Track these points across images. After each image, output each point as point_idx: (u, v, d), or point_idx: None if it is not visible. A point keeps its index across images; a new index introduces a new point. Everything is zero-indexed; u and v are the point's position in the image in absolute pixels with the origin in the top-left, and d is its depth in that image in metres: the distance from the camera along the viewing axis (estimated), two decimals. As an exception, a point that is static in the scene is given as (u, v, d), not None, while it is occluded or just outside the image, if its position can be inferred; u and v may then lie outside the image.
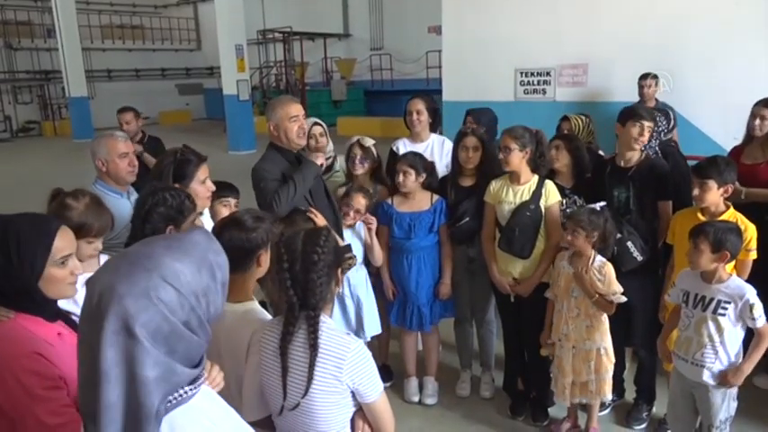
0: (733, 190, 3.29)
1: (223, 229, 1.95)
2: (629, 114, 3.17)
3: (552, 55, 5.69)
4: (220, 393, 1.92)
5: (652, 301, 3.19)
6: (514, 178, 3.19)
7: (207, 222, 2.60)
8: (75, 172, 4.70)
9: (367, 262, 3.44)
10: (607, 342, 2.99)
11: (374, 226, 3.29)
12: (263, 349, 1.79)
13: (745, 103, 3.71)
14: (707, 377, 2.59)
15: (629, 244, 3.03)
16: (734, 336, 2.55)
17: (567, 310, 2.99)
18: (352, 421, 1.79)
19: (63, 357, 1.46)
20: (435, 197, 3.44)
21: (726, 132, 4.59)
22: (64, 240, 1.52)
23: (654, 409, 3.36)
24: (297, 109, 3.00)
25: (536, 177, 3.18)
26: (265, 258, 1.97)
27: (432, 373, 3.68)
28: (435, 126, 4.00)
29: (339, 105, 19.55)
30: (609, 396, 3.08)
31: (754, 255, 2.84)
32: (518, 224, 3.12)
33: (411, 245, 3.40)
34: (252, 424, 1.85)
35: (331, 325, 1.77)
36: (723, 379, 2.56)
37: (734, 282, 2.55)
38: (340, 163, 3.80)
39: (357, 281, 3.32)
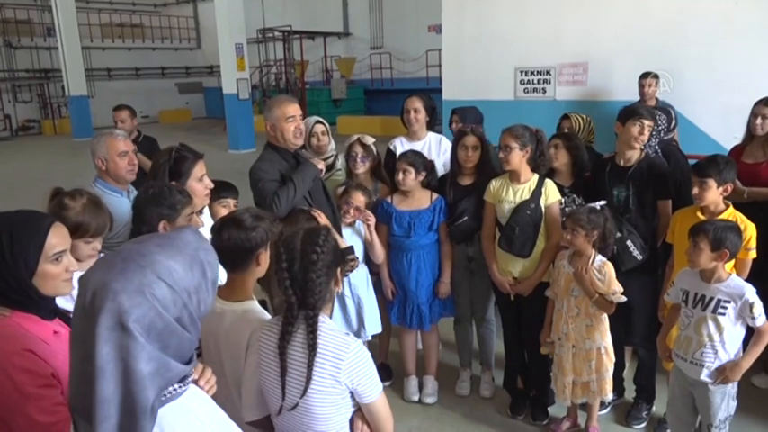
0: (734, 189, 3.30)
1: (222, 229, 1.94)
2: (629, 113, 3.17)
3: (552, 54, 5.68)
4: (220, 393, 1.94)
5: (652, 300, 3.19)
6: (514, 177, 3.19)
7: (207, 221, 2.60)
8: (75, 171, 4.70)
9: (367, 261, 3.44)
10: (607, 341, 2.99)
11: (372, 221, 3.29)
12: (261, 349, 1.79)
13: (746, 103, 3.71)
14: (706, 376, 2.59)
15: (629, 243, 3.03)
16: (734, 335, 2.55)
17: (568, 310, 2.99)
18: (351, 421, 1.78)
19: (58, 355, 1.45)
20: (435, 196, 3.44)
21: (726, 132, 4.58)
22: (57, 237, 1.52)
23: (654, 408, 3.36)
24: (294, 109, 3.00)
25: (536, 176, 3.18)
26: (265, 257, 1.97)
27: (431, 372, 3.68)
28: (433, 124, 3.99)
29: (339, 104, 19.55)
30: (610, 395, 3.08)
31: (753, 254, 2.84)
32: (518, 223, 3.11)
33: (411, 243, 3.40)
34: (252, 424, 1.87)
35: (330, 325, 1.77)
36: (721, 374, 2.56)
37: (733, 281, 2.55)
38: (341, 162, 3.79)
39: (358, 280, 3.32)
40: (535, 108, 5.63)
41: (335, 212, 3.19)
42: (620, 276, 2.91)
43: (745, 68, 4.76)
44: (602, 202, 2.94)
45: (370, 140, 3.57)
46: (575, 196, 3.33)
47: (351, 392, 1.74)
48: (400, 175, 3.35)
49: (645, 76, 4.94)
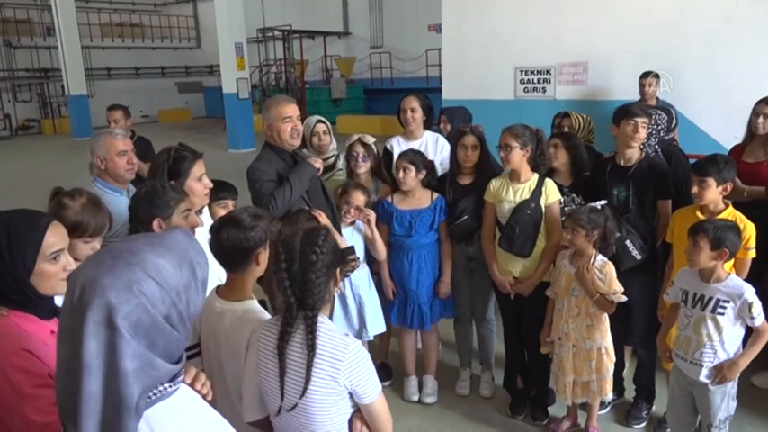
0: (735, 189, 3.30)
1: (221, 229, 1.94)
2: (622, 113, 3.18)
3: (552, 53, 5.67)
4: (220, 393, 1.94)
5: (651, 300, 3.19)
6: (514, 177, 3.19)
7: (207, 221, 2.59)
8: (75, 170, 4.70)
9: (369, 261, 3.44)
10: (607, 341, 2.99)
11: (373, 218, 3.28)
12: (260, 349, 1.78)
13: (746, 102, 3.70)
14: (705, 376, 2.58)
15: (628, 243, 3.03)
16: (733, 334, 2.54)
17: (568, 309, 2.99)
18: (350, 422, 1.78)
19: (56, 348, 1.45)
20: (435, 195, 3.44)
21: (726, 131, 4.58)
22: (55, 236, 1.52)
23: (653, 408, 3.36)
24: (291, 109, 2.99)
25: (536, 176, 3.18)
26: (264, 257, 1.96)
27: (431, 371, 3.68)
28: (430, 124, 3.99)
29: (339, 104, 19.55)
30: (610, 395, 3.08)
31: (752, 253, 2.84)
32: (518, 223, 3.11)
33: (411, 243, 3.40)
34: (253, 424, 1.86)
35: (329, 325, 1.77)
36: (718, 373, 2.56)
37: (732, 280, 2.54)
38: (342, 162, 3.79)
39: (359, 280, 3.31)
40: (535, 108, 5.62)
41: (335, 212, 3.18)
42: (620, 276, 2.91)
43: (746, 68, 4.76)
44: (603, 202, 2.94)
45: (370, 140, 3.57)
46: (574, 196, 3.33)
47: (350, 393, 1.73)
48: (401, 174, 3.34)
49: (645, 75, 4.94)
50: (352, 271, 2.71)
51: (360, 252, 3.31)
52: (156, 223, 2.13)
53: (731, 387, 2.61)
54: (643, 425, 3.30)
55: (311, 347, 1.68)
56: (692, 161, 3.40)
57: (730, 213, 2.82)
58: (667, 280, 3.04)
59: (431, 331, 3.59)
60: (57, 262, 1.52)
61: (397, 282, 3.50)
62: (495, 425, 3.38)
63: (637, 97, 4.98)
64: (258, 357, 1.79)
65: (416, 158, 3.38)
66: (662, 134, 3.46)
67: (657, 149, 3.40)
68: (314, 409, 1.71)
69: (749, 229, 2.80)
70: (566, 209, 3.22)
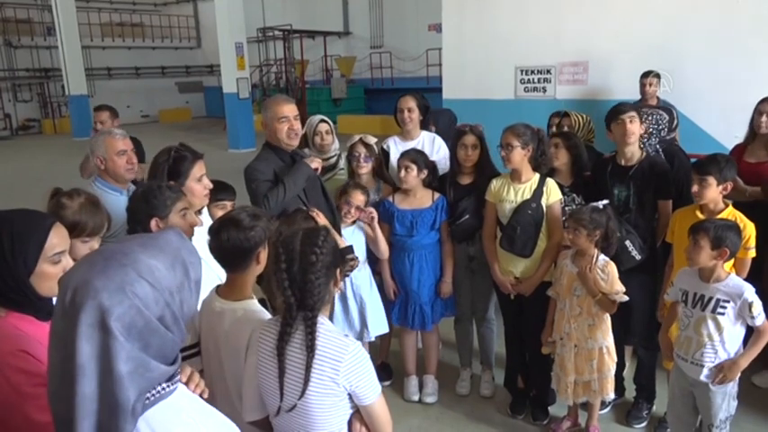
0: (739, 189, 3.29)
1: (221, 230, 1.93)
2: (610, 117, 3.20)
3: (552, 53, 5.66)
4: (220, 392, 1.93)
5: (651, 300, 3.19)
6: (515, 176, 3.18)
7: (206, 221, 2.59)
8: (75, 170, 4.69)
9: (371, 261, 3.44)
10: (609, 341, 2.99)
11: (375, 215, 3.27)
12: (260, 349, 1.78)
13: (747, 101, 3.70)
14: (706, 377, 2.58)
15: (628, 243, 3.02)
16: (734, 334, 2.54)
17: (570, 309, 2.98)
18: (350, 423, 1.77)
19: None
20: (437, 195, 3.43)
21: (727, 130, 4.57)
22: (57, 237, 1.52)
23: (654, 408, 3.36)
24: (288, 110, 2.98)
25: (537, 175, 3.17)
26: (264, 256, 1.97)
27: (432, 371, 3.68)
28: (426, 124, 3.99)
29: (339, 103, 19.54)
30: (612, 395, 3.07)
31: (752, 253, 2.84)
32: (519, 223, 3.10)
33: (413, 242, 3.39)
34: (253, 424, 1.86)
35: (329, 326, 1.76)
36: (719, 373, 2.55)
37: (732, 280, 2.54)
38: (344, 161, 3.78)
39: (361, 280, 3.31)
40: (535, 107, 5.61)
41: (335, 213, 3.18)
42: (620, 276, 2.90)
43: (747, 67, 4.75)
44: (605, 202, 2.93)
45: (372, 140, 3.56)
46: (574, 195, 3.33)
47: (349, 394, 1.73)
48: (402, 173, 3.34)
49: (646, 75, 4.93)
50: (352, 271, 2.70)
51: (361, 252, 3.31)
52: (153, 223, 2.13)
53: (732, 387, 2.61)
54: (643, 425, 3.30)
55: (310, 348, 1.67)
56: (692, 161, 3.39)
57: (730, 213, 2.82)
58: (667, 280, 3.04)
59: (431, 331, 3.59)
60: (57, 263, 1.52)
61: (398, 282, 3.50)
62: (496, 425, 3.38)
63: (637, 97, 4.98)
64: (258, 357, 1.79)
65: (418, 158, 3.38)
66: (662, 134, 3.45)
67: (658, 149, 3.40)
68: (313, 409, 1.71)
69: (749, 229, 2.80)
70: (566, 209, 3.22)
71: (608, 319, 2.97)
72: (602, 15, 5.39)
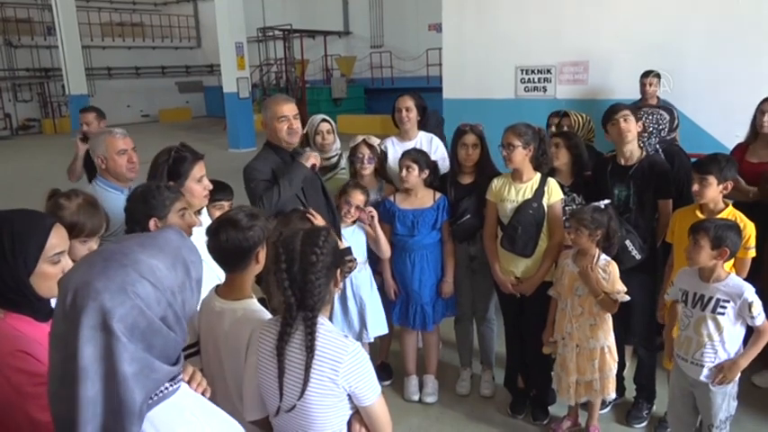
0: (741, 190, 3.29)
1: (219, 230, 1.93)
2: (604, 120, 3.21)
3: (553, 52, 5.66)
4: (220, 392, 1.93)
5: (651, 300, 3.19)
6: (516, 176, 3.18)
7: (206, 221, 2.59)
8: (75, 170, 4.73)
9: (371, 262, 3.43)
10: (610, 340, 2.98)
11: (375, 214, 3.27)
12: (260, 349, 1.78)
13: (747, 101, 3.69)
14: (706, 376, 2.58)
15: (628, 243, 3.02)
16: (734, 334, 2.54)
17: (571, 309, 2.98)
18: (349, 424, 1.77)
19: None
20: (438, 194, 3.43)
21: (727, 130, 4.57)
22: (58, 237, 1.52)
23: (654, 408, 3.35)
24: (288, 109, 2.98)
25: (538, 175, 3.17)
26: (263, 255, 1.97)
27: (432, 371, 3.67)
28: (424, 124, 3.99)
29: (339, 103, 19.53)
30: (613, 394, 3.07)
31: (753, 253, 2.83)
32: (521, 222, 3.10)
33: (414, 242, 3.39)
34: (254, 423, 1.86)
35: (329, 327, 1.76)
36: (719, 373, 2.55)
37: (732, 280, 2.54)
38: (345, 161, 3.78)
39: (361, 281, 3.31)
40: (536, 107, 5.60)
41: (335, 213, 3.18)
42: (620, 275, 2.90)
43: (747, 66, 4.75)
44: (607, 201, 2.93)
45: (375, 141, 3.56)
46: (575, 195, 3.32)
47: (349, 395, 1.73)
48: (404, 172, 3.34)
49: (646, 74, 4.93)
50: (350, 272, 2.69)
51: (361, 252, 3.31)
52: (152, 223, 2.13)
53: (732, 387, 2.60)
54: (644, 425, 3.30)
55: (310, 348, 1.67)
56: (693, 160, 3.39)
57: (730, 213, 2.82)
58: (667, 280, 3.04)
59: (432, 331, 3.59)
60: (57, 264, 1.52)
61: (399, 282, 3.49)
62: (496, 424, 3.38)
63: (637, 96, 4.98)
64: (257, 357, 1.78)
65: (419, 157, 3.37)
66: (663, 134, 3.45)
67: (658, 148, 3.39)
68: (312, 410, 1.71)
69: (749, 229, 2.80)
70: (566, 208, 3.22)
71: (609, 318, 2.97)
72: (603, 15, 5.39)
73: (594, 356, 2.97)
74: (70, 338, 0.94)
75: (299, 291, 1.70)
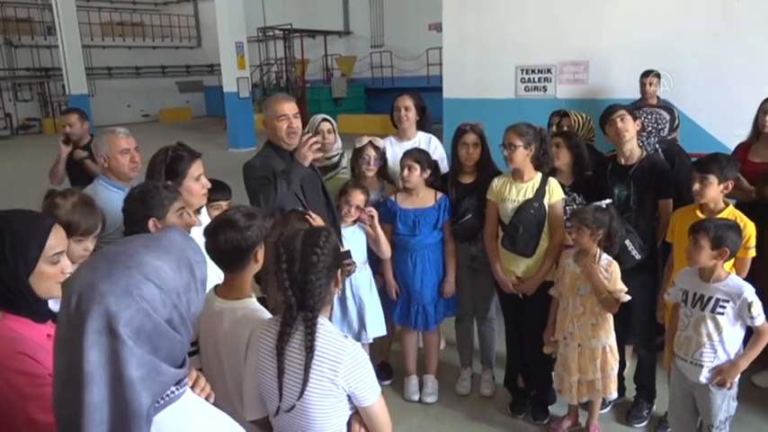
0: (744, 189, 3.29)
1: (217, 231, 1.93)
2: (602, 121, 3.21)
3: (553, 52, 5.66)
4: (220, 392, 1.93)
5: (651, 300, 3.19)
6: (517, 176, 3.17)
7: (205, 221, 2.59)
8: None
9: (372, 262, 3.43)
10: (612, 340, 2.98)
11: (376, 214, 3.27)
12: (259, 349, 1.78)
13: (747, 100, 3.69)
14: (705, 377, 2.58)
15: (628, 242, 3.01)
16: (733, 335, 2.54)
17: (573, 309, 2.97)
18: (349, 424, 1.77)
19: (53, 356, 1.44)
20: (439, 194, 3.43)
21: (727, 130, 4.57)
22: (57, 237, 1.53)
23: (654, 408, 3.35)
24: (288, 108, 2.97)
25: (539, 175, 3.16)
26: (261, 254, 1.97)
27: (432, 371, 3.67)
28: (423, 123, 3.98)
29: (339, 103, 19.53)
30: (615, 394, 3.06)
31: (753, 252, 2.83)
32: (522, 222, 3.10)
33: (415, 242, 3.39)
34: (254, 422, 1.86)
35: (329, 327, 1.76)
36: (718, 375, 2.55)
37: (732, 280, 2.54)
38: (346, 161, 3.77)
39: (360, 281, 3.30)
40: (536, 106, 5.60)
41: (335, 213, 3.17)
42: (620, 275, 2.90)
43: (747, 66, 4.75)
44: (608, 201, 2.93)
45: (381, 143, 3.56)
46: (575, 195, 3.32)
47: (348, 395, 1.73)
48: (405, 172, 3.34)
49: (646, 74, 4.93)
50: (349, 275, 2.68)
51: (362, 252, 3.30)
52: (151, 223, 2.13)
53: (732, 388, 2.60)
54: (644, 424, 3.30)
55: (310, 349, 1.67)
56: (693, 160, 3.38)
57: (730, 212, 2.81)
58: (667, 280, 3.03)
59: (433, 331, 3.59)
60: (56, 264, 1.52)
61: (401, 282, 3.49)
62: (496, 424, 3.38)
63: (637, 96, 4.98)
64: (257, 357, 1.78)
65: (421, 157, 3.37)
66: (662, 133, 3.45)
67: (657, 148, 3.39)
68: (312, 410, 1.70)
69: (749, 228, 2.79)
70: (567, 208, 3.22)
71: (611, 318, 2.96)
72: (603, 15, 5.39)
73: (596, 356, 2.97)
74: (75, 343, 0.92)
75: (299, 291, 1.70)
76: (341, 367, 1.68)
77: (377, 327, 3.36)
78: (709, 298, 2.53)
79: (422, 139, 3.89)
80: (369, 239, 3.33)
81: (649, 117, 3.37)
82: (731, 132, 4.29)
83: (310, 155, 2.87)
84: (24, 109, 21.81)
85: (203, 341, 2.02)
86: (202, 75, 26.23)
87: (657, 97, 4.96)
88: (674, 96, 5.01)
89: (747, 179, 3.38)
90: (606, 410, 3.39)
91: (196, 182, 2.50)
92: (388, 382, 3.74)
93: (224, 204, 3.06)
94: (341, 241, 2.94)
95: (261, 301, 2.09)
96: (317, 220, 2.74)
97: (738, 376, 2.58)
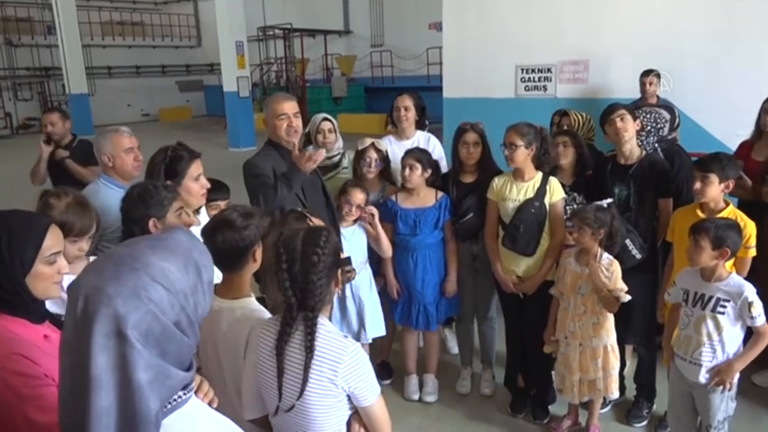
0: (747, 189, 3.28)
1: (215, 231, 1.93)
2: (601, 121, 3.22)
3: (553, 51, 5.66)
4: (219, 392, 1.93)
5: (651, 300, 3.19)
6: (518, 175, 3.17)
7: (204, 221, 2.59)
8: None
9: (372, 263, 3.42)
10: (613, 339, 2.98)
11: (376, 213, 3.26)
12: (259, 349, 1.78)
13: (747, 100, 3.70)
14: (704, 377, 2.58)
15: (628, 242, 3.01)
16: (733, 335, 2.53)
17: (574, 308, 2.97)
18: (349, 424, 1.77)
19: (50, 357, 1.43)
20: (440, 193, 3.43)
21: (728, 129, 4.57)
22: (54, 238, 1.52)
23: (654, 407, 3.35)
24: (288, 107, 2.97)
25: (540, 174, 3.16)
26: (259, 253, 1.97)
27: (432, 370, 3.67)
28: (422, 123, 3.98)
29: (339, 102, 19.52)
30: (616, 393, 3.06)
31: (753, 252, 2.83)
32: (522, 221, 3.10)
33: (416, 242, 3.39)
34: (253, 422, 1.86)
35: (329, 327, 1.76)
36: (716, 375, 2.55)
37: (733, 279, 2.54)
38: (348, 160, 3.77)
39: (360, 281, 3.30)
40: (536, 106, 5.60)
41: (335, 213, 3.17)
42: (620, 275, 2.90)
43: (747, 66, 4.75)
44: (609, 200, 2.93)
45: (384, 146, 3.56)
46: (575, 194, 3.32)
47: (348, 395, 1.72)
48: (406, 171, 3.34)
49: (646, 74, 4.93)
50: (348, 281, 2.68)
51: (362, 252, 3.30)
52: (151, 223, 2.13)
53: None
54: (644, 424, 3.30)
55: (310, 349, 1.67)
56: (693, 159, 3.38)
57: (731, 212, 2.81)
58: (667, 279, 3.03)
59: (434, 330, 3.58)
60: (53, 264, 1.52)
61: (402, 282, 3.49)
62: (496, 424, 3.38)
63: (638, 95, 4.98)
64: (257, 357, 1.78)
65: (422, 157, 3.37)
66: (662, 133, 3.45)
67: (657, 147, 3.39)
68: (311, 410, 1.70)
69: (749, 228, 2.79)
70: (567, 208, 3.22)
71: (611, 317, 2.96)
72: (603, 14, 5.39)
73: (597, 355, 2.97)
74: (82, 347, 0.90)
75: (299, 291, 1.70)
76: (341, 367, 1.67)
77: (376, 327, 3.35)
78: (710, 297, 2.53)
79: (421, 139, 3.89)
80: (369, 239, 3.32)
81: (648, 116, 3.37)
82: (731, 132, 4.30)
83: (311, 166, 2.85)
84: (24, 108, 21.79)
85: (203, 341, 2.01)
86: (202, 74, 26.21)
87: (657, 97, 4.96)
88: (674, 96, 5.01)
89: (750, 177, 3.39)
90: (606, 410, 3.39)
91: (195, 182, 2.50)
92: (388, 382, 3.74)
93: (222, 204, 3.06)
94: (340, 241, 2.94)
95: (260, 300, 2.09)
96: (316, 221, 2.74)
97: (737, 377, 2.58)
